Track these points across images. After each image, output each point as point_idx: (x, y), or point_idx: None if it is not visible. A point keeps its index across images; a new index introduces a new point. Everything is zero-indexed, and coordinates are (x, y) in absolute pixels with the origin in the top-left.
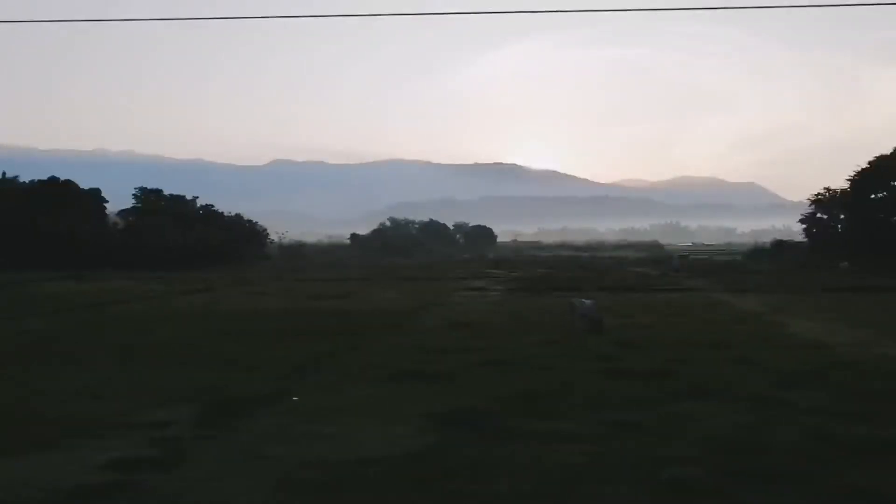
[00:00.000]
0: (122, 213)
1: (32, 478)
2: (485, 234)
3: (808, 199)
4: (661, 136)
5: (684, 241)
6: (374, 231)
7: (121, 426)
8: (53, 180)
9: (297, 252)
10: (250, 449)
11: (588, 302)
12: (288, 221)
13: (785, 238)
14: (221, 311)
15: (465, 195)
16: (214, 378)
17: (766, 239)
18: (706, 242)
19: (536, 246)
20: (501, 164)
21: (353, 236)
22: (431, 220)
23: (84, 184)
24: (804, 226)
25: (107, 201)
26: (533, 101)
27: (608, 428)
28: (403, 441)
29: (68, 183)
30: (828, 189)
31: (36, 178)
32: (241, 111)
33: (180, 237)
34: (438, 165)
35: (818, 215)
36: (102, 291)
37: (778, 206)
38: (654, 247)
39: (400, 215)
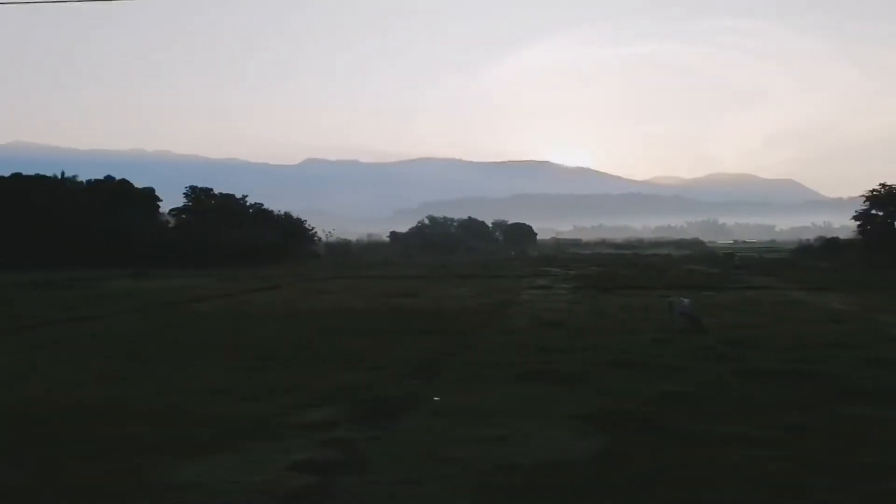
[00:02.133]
0: (173, 211)
1: (235, 480)
2: (525, 231)
3: (863, 196)
4: (693, 133)
5: (723, 239)
6: (414, 229)
7: (284, 427)
8: (109, 179)
9: (345, 250)
10: (425, 451)
11: (686, 301)
12: (321, 220)
13: (826, 235)
14: (305, 308)
15: (497, 193)
16: (346, 378)
17: (807, 236)
18: (746, 240)
19: (576, 244)
20: (533, 161)
21: (393, 234)
22: (470, 217)
23: None
24: (858, 223)
25: (160, 200)
26: (564, 98)
27: (782, 431)
28: (576, 444)
29: (123, 182)
30: (884, 185)
31: (81, 178)
32: (275, 111)
33: (232, 235)
34: (470, 163)
35: (873, 212)
36: (169, 289)
37: (816, 202)
38: (696, 244)
39: (432, 213)
